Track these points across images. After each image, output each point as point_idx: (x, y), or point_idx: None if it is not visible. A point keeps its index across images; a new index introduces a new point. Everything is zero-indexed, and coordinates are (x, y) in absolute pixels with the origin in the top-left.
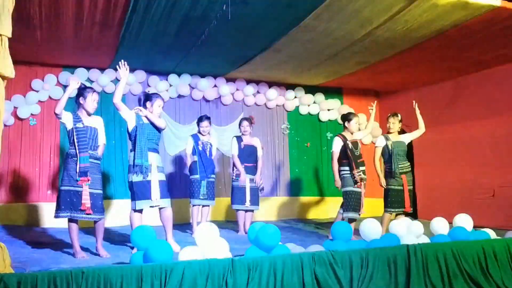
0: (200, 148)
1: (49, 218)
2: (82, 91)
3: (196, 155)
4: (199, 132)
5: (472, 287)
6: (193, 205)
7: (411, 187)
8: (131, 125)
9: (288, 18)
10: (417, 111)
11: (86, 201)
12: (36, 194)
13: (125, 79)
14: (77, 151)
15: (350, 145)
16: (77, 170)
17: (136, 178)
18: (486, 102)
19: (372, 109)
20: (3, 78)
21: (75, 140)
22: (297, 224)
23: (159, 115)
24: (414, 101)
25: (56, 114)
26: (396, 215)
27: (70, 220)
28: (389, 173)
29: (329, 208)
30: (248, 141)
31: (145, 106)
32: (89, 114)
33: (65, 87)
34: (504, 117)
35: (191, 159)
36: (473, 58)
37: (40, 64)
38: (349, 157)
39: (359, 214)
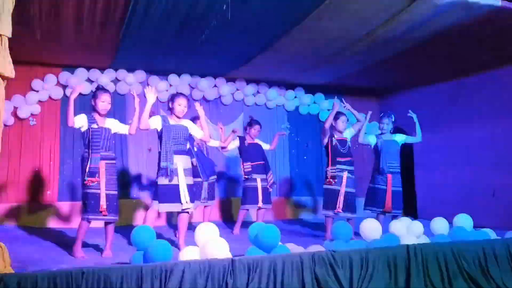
0: (196, 149)
1: (49, 218)
2: (94, 92)
3: (194, 158)
4: None
5: (472, 287)
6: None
7: (400, 188)
8: (159, 129)
9: (288, 18)
10: (416, 120)
11: (103, 203)
12: (36, 194)
13: (151, 103)
14: (90, 152)
15: (334, 141)
16: (87, 170)
17: (161, 181)
18: (486, 102)
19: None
20: (3, 78)
21: (89, 141)
22: (297, 224)
23: (183, 113)
24: (410, 112)
25: (70, 126)
26: (378, 214)
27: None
28: (376, 170)
29: None
30: (250, 141)
31: (169, 107)
32: (101, 115)
33: (64, 87)
34: (504, 118)
35: None
36: (473, 58)
37: (40, 64)
38: (328, 153)
39: (334, 212)
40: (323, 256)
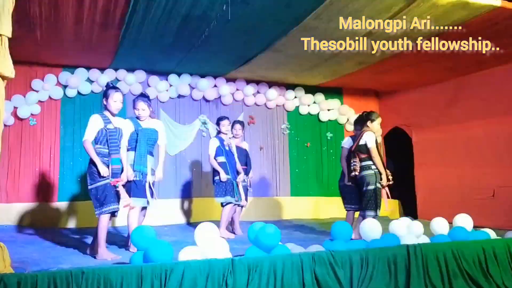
0: (227, 149)
1: (49, 218)
2: (106, 91)
3: (223, 156)
4: (222, 132)
5: (472, 287)
6: (227, 203)
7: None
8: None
9: (288, 18)
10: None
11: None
12: (36, 194)
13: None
14: (109, 152)
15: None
16: (110, 172)
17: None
18: (486, 102)
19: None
20: (3, 78)
21: (108, 141)
22: (297, 224)
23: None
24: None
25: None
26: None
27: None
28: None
29: (329, 208)
30: (238, 144)
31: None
32: (113, 115)
33: (65, 87)
34: (504, 117)
35: (214, 161)
36: (473, 58)
37: (40, 64)
38: (380, 154)
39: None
40: (323, 256)
